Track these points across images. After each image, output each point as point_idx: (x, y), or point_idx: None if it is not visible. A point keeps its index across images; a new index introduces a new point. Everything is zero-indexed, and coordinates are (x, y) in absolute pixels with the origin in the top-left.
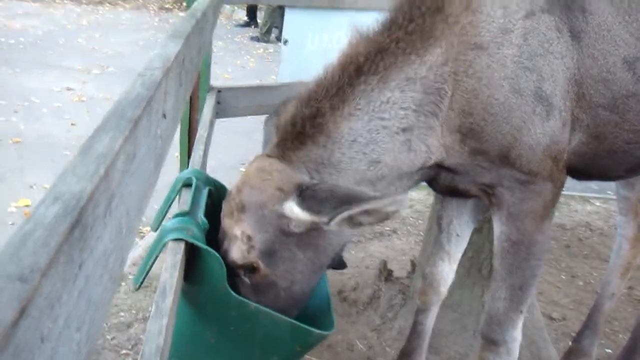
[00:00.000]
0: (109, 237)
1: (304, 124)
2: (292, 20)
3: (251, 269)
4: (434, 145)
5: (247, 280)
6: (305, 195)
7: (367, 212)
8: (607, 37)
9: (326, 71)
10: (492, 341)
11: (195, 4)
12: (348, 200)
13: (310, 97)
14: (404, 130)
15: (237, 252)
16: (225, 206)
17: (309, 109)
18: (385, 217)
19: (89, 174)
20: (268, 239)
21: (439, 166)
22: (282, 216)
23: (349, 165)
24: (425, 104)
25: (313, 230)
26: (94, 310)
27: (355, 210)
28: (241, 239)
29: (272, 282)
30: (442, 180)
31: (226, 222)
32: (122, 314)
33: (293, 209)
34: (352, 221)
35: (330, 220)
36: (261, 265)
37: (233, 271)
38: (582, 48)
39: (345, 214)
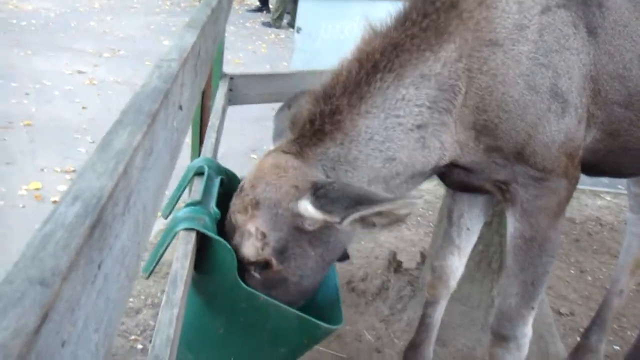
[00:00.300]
0: (127, 235)
1: (322, 121)
2: (306, 8)
3: (264, 265)
4: (448, 141)
5: (257, 275)
6: (319, 194)
7: (379, 214)
8: (623, 33)
9: (342, 66)
10: (502, 337)
11: None
12: (360, 200)
13: (328, 93)
14: (419, 127)
15: (251, 248)
16: (237, 201)
17: (328, 106)
18: (397, 219)
19: (108, 171)
20: (282, 237)
21: (453, 165)
22: (297, 214)
23: (365, 163)
24: (439, 101)
25: (325, 228)
26: (112, 309)
27: (367, 211)
28: (255, 236)
29: (282, 277)
30: (455, 177)
31: (239, 217)
32: (131, 299)
33: (307, 208)
34: (364, 222)
35: (342, 220)
36: (274, 262)
37: (243, 266)
38: (598, 44)
39: (356, 215)
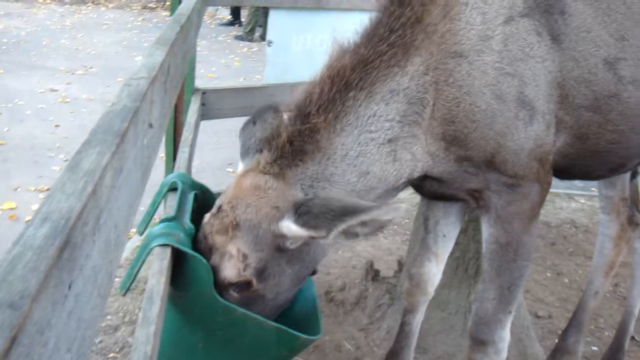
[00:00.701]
0: (98, 254)
1: (302, 141)
2: (277, 21)
3: (243, 285)
4: (419, 153)
5: (235, 294)
6: (301, 211)
7: (363, 223)
8: (587, 38)
9: (314, 83)
10: (480, 342)
11: (179, 9)
12: (344, 212)
13: (304, 112)
14: (390, 141)
15: (232, 270)
16: (214, 221)
17: (306, 125)
18: (380, 226)
19: (77, 191)
20: (262, 257)
21: (426, 176)
22: (279, 235)
23: (342, 178)
24: (409, 114)
25: (304, 245)
26: (84, 328)
27: (353, 221)
28: (237, 257)
29: (259, 295)
30: (428, 188)
31: (218, 238)
32: (109, 317)
33: (290, 227)
34: (348, 233)
35: (329, 233)
36: (254, 282)
37: (222, 287)
38: (562, 50)
39: (343, 226)
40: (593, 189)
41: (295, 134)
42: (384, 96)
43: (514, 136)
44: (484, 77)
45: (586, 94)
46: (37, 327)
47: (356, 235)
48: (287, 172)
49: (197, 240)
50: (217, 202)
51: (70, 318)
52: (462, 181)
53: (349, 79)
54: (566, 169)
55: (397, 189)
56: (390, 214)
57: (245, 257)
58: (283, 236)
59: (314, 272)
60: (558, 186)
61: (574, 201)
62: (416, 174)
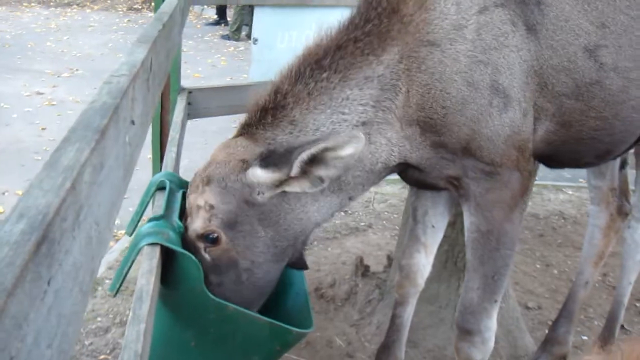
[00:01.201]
0: (79, 250)
1: (274, 111)
2: (262, 19)
3: (212, 240)
4: (394, 138)
5: (207, 256)
6: (264, 156)
7: (325, 164)
8: (565, 27)
9: (292, 64)
10: (466, 331)
11: (162, 7)
12: (303, 145)
13: (278, 86)
14: (364, 124)
15: (199, 221)
16: (191, 184)
17: (278, 96)
18: (344, 164)
19: (55, 187)
20: (231, 210)
21: (407, 164)
22: (245, 185)
23: None
24: (382, 100)
25: (274, 205)
26: (66, 325)
27: (312, 150)
28: (204, 208)
29: (232, 259)
30: (410, 175)
31: (191, 197)
32: (99, 318)
33: (255, 172)
34: (311, 178)
35: (291, 168)
36: (222, 235)
37: (195, 247)
38: (539, 40)
39: (303, 156)
40: (581, 180)
41: (268, 102)
42: (358, 82)
43: (488, 123)
44: (456, 64)
45: (566, 82)
46: (14, 322)
47: (321, 180)
48: (257, 134)
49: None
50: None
51: (50, 313)
52: (440, 168)
53: (322, 61)
54: (553, 157)
55: (376, 173)
56: (350, 145)
57: (212, 207)
58: (250, 185)
59: (303, 266)
60: (546, 178)
61: (562, 193)
62: (394, 159)
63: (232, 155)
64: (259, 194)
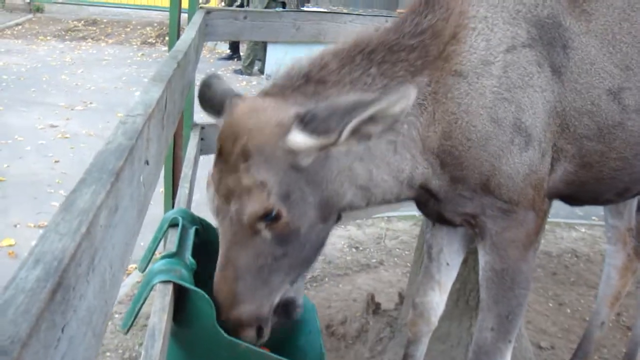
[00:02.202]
0: (93, 294)
1: (316, 82)
2: (275, 55)
3: (273, 217)
4: (418, 157)
5: (268, 234)
6: (306, 120)
7: (374, 120)
8: (590, 70)
9: (345, 45)
10: None
11: (176, 45)
12: (353, 106)
13: (327, 63)
14: (391, 130)
15: (255, 202)
16: (219, 167)
17: (323, 72)
18: (393, 120)
19: (71, 231)
20: (281, 181)
21: (427, 191)
22: (289, 151)
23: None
24: (408, 114)
25: (318, 165)
26: None
27: (363, 115)
28: (256, 187)
29: (293, 229)
30: (430, 206)
31: (230, 180)
32: (108, 354)
33: (298, 138)
34: (360, 134)
35: (340, 134)
36: (282, 209)
37: (253, 229)
38: (563, 82)
39: (354, 123)
40: (594, 217)
41: (313, 74)
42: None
43: (508, 160)
44: (482, 99)
45: (589, 125)
46: None
47: (369, 136)
48: (290, 97)
49: (210, 201)
50: (218, 143)
51: None
52: (456, 204)
53: (373, 55)
54: (572, 196)
55: (402, 184)
56: (402, 102)
57: (263, 183)
58: (293, 151)
59: (339, 218)
60: (558, 215)
61: (575, 230)
62: (417, 176)
63: (263, 119)
64: (303, 159)
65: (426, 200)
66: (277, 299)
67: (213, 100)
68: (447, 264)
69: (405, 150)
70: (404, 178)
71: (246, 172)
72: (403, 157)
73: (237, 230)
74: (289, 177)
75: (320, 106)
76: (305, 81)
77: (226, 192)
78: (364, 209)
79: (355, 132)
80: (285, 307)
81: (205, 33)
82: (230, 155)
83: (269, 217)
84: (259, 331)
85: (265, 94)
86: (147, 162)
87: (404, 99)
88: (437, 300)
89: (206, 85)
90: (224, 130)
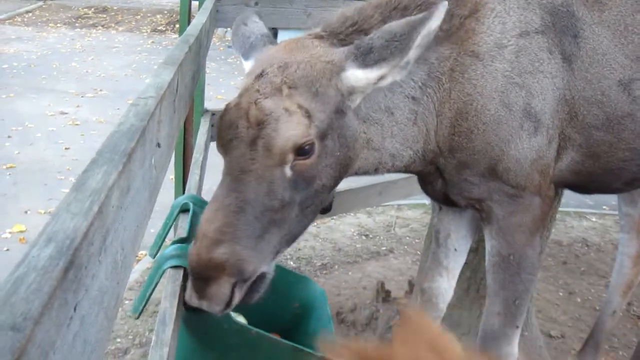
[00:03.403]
0: (105, 275)
1: (359, 31)
2: None
3: (305, 152)
4: (432, 133)
5: (289, 173)
6: (363, 52)
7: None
8: (602, 61)
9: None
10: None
11: (188, 29)
12: (411, 27)
13: (371, 16)
14: (413, 98)
15: (297, 127)
16: (259, 86)
17: (366, 25)
18: (428, 40)
19: (83, 211)
20: (324, 119)
21: (437, 169)
22: (339, 91)
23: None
24: (427, 86)
25: (352, 116)
26: (90, 352)
27: (423, 31)
28: (300, 113)
29: (311, 176)
30: (437, 187)
31: (269, 102)
32: (118, 339)
33: (357, 74)
34: (403, 62)
35: (408, 52)
36: (317, 146)
37: (280, 159)
38: (573, 71)
39: (419, 39)
40: (604, 207)
41: (360, 24)
42: (419, 58)
43: (517, 145)
44: (495, 82)
45: (597, 114)
46: (41, 350)
47: (408, 63)
48: (336, 42)
49: (228, 128)
50: (254, 70)
51: (76, 340)
52: (462, 189)
53: (407, 10)
54: (580, 185)
55: (414, 155)
56: (437, 17)
57: (308, 113)
58: (343, 92)
59: (327, 209)
60: (569, 204)
61: (586, 219)
62: (429, 150)
63: (314, 56)
64: (351, 101)
65: (433, 180)
66: (263, 263)
67: (246, 38)
68: (455, 249)
69: (422, 123)
70: (417, 149)
71: (291, 97)
72: (420, 129)
73: (258, 157)
74: (330, 119)
75: (370, 38)
76: (353, 30)
77: (260, 115)
78: (372, 175)
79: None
80: (259, 281)
81: (216, 19)
82: (274, 79)
83: (303, 151)
84: (232, 292)
85: (314, 36)
86: (158, 145)
87: (439, 12)
88: (445, 286)
89: (243, 22)
90: (269, 58)
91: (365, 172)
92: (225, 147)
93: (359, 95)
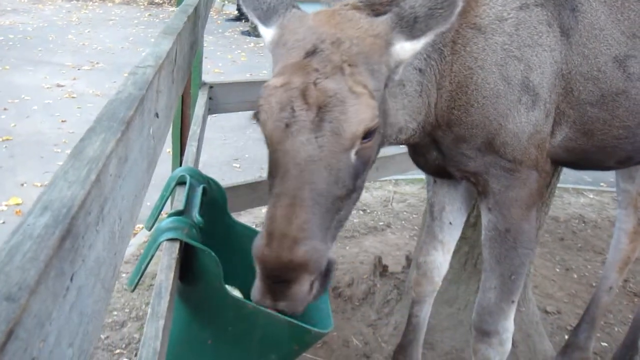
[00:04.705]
0: (102, 245)
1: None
2: None
3: (370, 134)
4: (432, 104)
5: (353, 158)
6: (406, 24)
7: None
8: (599, 36)
9: None
10: (484, 332)
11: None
12: None
13: None
14: (420, 70)
15: (367, 109)
16: (318, 65)
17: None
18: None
19: (80, 179)
20: (379, 98)
21: (433, 140)
22: (389, 66)
23: None
24: (431, 58)
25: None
26: (87, 323)
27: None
28: (368, 94)
29: (368, 158)
30: (431, 160)
31: (330, 83)
32: (115, 312)
33: (404, 47)
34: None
35: (448, 23)
36: (379, 126)
37: (350, 143)
38: (571, 45)
39: (461, 5)
40: (602, 183)
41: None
42: None
43: (515, 119)
44: (494, 55)
45: (593, 91)
46: (37, 321)
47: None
48: (369, 11)
49: (280, 110)
50: (299, 44)
51: (72, 311)
52: (458, 162)
53: None
54: (573, 163)
55: (416, 127)
56: None
57: (371, 94)
58: (391, 66)
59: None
60: (567, 181)
61: (583, 196)
62: (429, 123)
63: (360, 31)
64: (395, 74)
65: (426, 151)
66: (331, 251)
67: (263, 3)
68: (450, 223)
69: (425, 95)
70: (420, 121)
71: (353, 77)
72: (424, 101)
73: (326, 144)
74: (382, 96)
75: (411, 6)
76: (391, 1)
77: (322, 97)
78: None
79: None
80: (330, 269)
81: None
82: (332, 56)
83: (369, 134)
84: (311, 288)
85: (352, 7)
86: (157, 115)
87: None
88: (441, 259)
89: None
90: (312, 32)
91: (397, 137)
92: (281, 133)
93: (402, 68)
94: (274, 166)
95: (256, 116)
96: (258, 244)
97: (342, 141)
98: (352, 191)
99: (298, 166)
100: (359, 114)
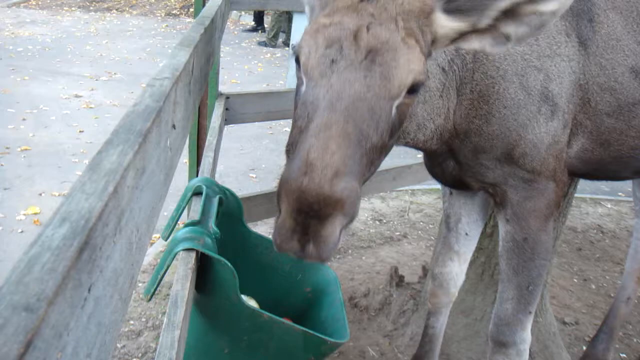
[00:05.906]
0: (119, 256)
1: None
2: (301, 25)
3: (415, 89)
4: (452, 109)
5: (394, 111)
6: (451, 7)
7: (518, 18)
8: (616, 47)
9: None
10: (501, 343)
11: (203, 11)
12: None
13: None
14: (443, 70)
15: (418, 62)
16: (373, 10)
17: None
18: (541, 22)
19: (97, 191)
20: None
21: (450, 150)
22: (429, 32)
23: None
24: (454, 63)
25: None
26: (104, 333)
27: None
28: (419, 48)
29: (404, 118)
30: (448, 171)
31: (384, 30)
32: (131, 322)
33: (440, 18)
34: (498, 32)
35: (480, 17)
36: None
37: (397, 92)
38: (588, 55)
39: (501, 4)
40: (620, 193)
41: None
42: None
43: (534, 129)
44: (515, 65)
45: (609, 101)
46: (55, 331)
47: (507, 38)
48: None
49: (329, 46)
50: None
51: (90, 322)
52: (476, 174)
53: None
54: (589, 173)
55: (434, 129)
56: (554, 2)
57: (422, 48)
58: (432, 36)
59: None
60: (584, 191)
61: (601, 206)
62: (447, 130)
63: None
64: (438, 45)
65: (443, 161)
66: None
67: None
68: (466, 234)
69: (446, 97)
70: (439, 124)
71: (407, 31)
72: (444, 103)
73: (374, 85)
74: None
75: None
76: None
77: (373, 41)
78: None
79: (493, 27)
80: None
81: (231, 2)
82: (388, 7)
83: (414, 88)
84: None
85: None
86: (174, 126)
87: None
88: (457, 270)
89: None
90: None
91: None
92: (326, 69)
93: (437, 46)
94: (312, 102)
95: (294, 50)
96: (293, 175)
97: (389, 86)
98: (384, 148)
99: (342, 101)
100: (410, 64)
